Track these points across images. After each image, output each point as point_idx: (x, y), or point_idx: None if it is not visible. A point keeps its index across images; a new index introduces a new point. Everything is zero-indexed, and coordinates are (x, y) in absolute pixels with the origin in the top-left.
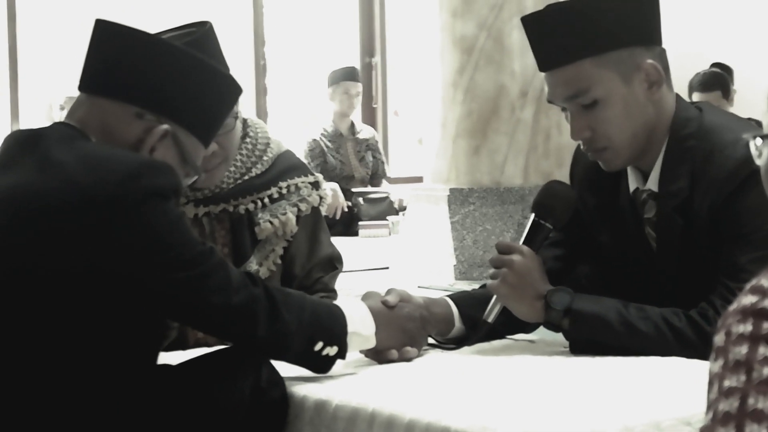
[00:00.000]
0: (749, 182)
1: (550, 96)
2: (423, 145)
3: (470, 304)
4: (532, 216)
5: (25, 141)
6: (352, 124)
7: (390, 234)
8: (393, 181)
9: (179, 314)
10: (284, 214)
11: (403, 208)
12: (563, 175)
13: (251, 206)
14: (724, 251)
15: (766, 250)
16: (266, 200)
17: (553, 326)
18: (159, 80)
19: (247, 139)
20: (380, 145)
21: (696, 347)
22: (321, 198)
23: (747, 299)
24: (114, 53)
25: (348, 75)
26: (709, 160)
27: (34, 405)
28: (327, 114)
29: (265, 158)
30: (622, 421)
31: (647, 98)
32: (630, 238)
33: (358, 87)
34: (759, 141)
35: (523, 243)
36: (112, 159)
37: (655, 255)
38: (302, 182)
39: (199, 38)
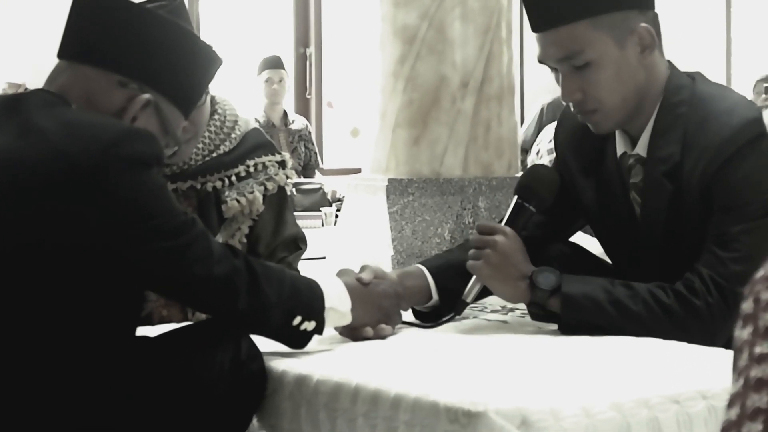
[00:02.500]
0: (745, 151)
1: (541, 57)
2: (356, 136)
3: (447, 275)
4: (515, 198)
5: (4, 106)
6: (285, 115)
7: (323, 225)
8: (326, 172)
9: (160, 285)
10: (251, 192)
11: (337, 200)
12: (503, 167)
13: (218, 184)
14: (714, 220)
15: (759, 221)
16: (233, 178)
17: (538, 306)
18: (143, 49)
19: (215, 116)
20: (313, 136)
21: (686, 323)
22: (287, 177)
23: None
24: (97, 20)
25: (269, 63)
26: (702, 127)
27: (13, 375)
28: (259, 104)
29: (233, 135)
30: (610, 397)
31: (639, 62)
32: (614, 203)
33: (281, 74)
34: None
35: (505, 224)
36: (95, 126)
37: (638, 220)
38: (269, 161)
39: (173, 10)
